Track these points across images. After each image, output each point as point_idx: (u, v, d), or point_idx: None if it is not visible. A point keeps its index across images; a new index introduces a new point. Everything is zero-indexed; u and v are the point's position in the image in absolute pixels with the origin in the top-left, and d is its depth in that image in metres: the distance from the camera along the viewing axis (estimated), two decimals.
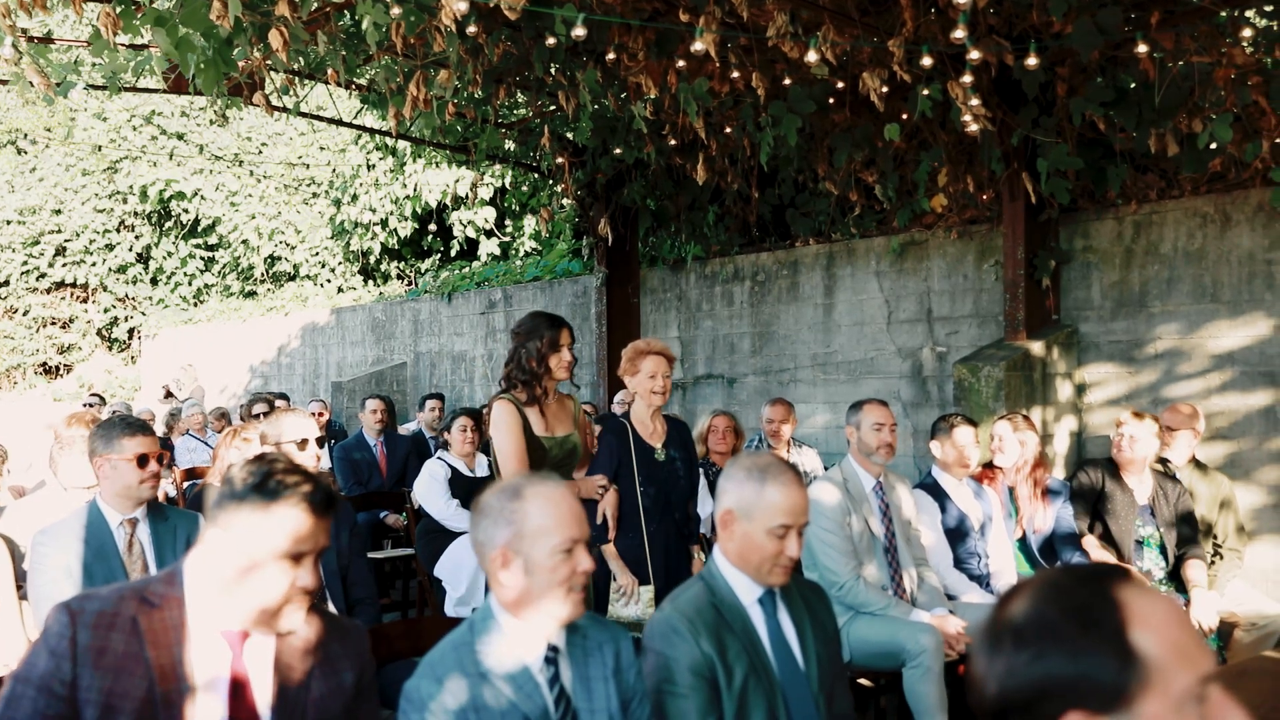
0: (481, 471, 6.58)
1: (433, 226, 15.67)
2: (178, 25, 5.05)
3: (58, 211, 20.85)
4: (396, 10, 5.06)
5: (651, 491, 4.51)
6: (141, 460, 3.58)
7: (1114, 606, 1.23)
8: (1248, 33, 5.61)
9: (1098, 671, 1.20)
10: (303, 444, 4.18)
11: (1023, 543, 5.41)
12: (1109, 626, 1.22)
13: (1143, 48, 5.32)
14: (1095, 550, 5.36)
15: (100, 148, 19.72)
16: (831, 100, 6.78)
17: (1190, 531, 5.42)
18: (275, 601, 2.13)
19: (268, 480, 2.12)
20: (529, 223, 14.50)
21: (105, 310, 21.53)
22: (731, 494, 2.68)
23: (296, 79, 7.48)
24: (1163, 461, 5.89)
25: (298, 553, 2.13)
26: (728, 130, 7.39)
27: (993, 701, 1.25)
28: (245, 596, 2.13)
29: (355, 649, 2.37)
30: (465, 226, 14.99)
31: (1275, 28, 5.56)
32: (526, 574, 2.26)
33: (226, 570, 2.13)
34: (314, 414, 9.84)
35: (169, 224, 20.51)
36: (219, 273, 20.60)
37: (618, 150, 8.48)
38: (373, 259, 17.02)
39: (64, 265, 21.07)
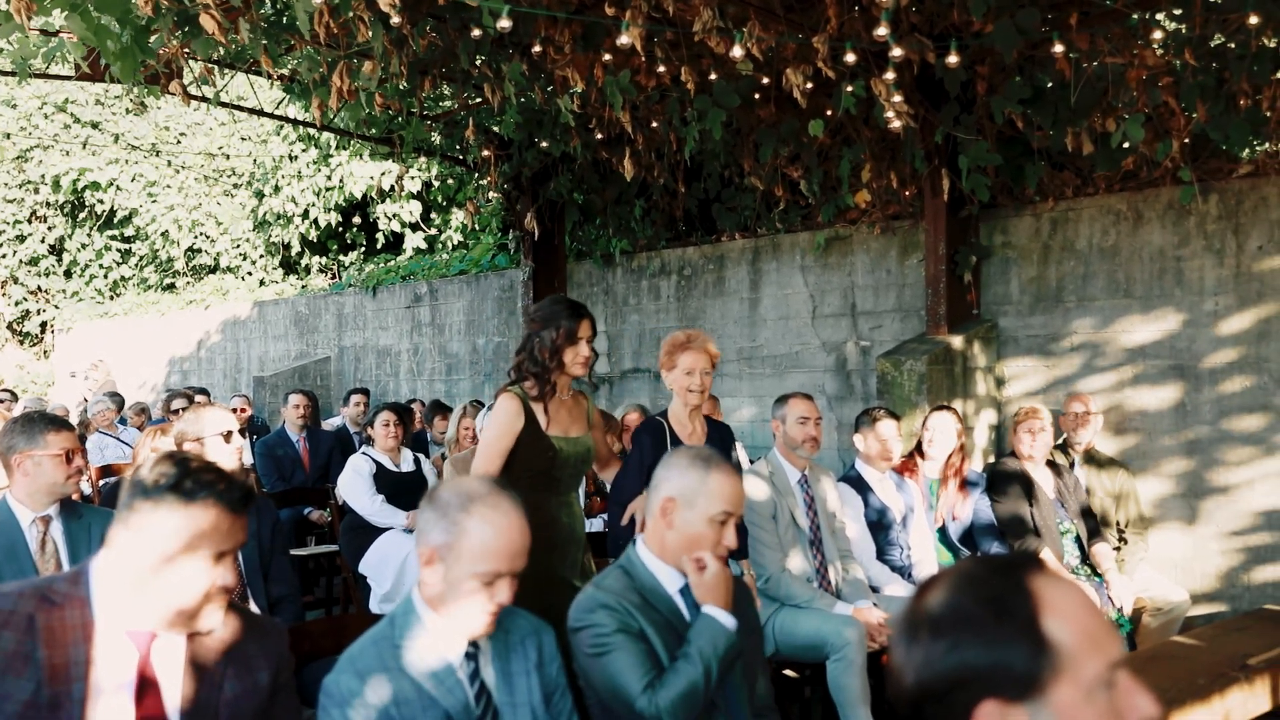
0: (407, 467, 6.51)
1: (356, 220, 15.47)
2: (90, 10, 4.91)
3: None
4: None
5: None
6: (68, 456, 3.50)
7: (1027, 595, 1.26)
8: (1158, 35, 5.76)
9: (1012, 660, 1.22)
10: (227, 436, 4.12)
11: (943, 533, 5.51)
12: (1022, 615, 1.24)
13: (1059, 48, 5.44)
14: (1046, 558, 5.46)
15: (9, 136, 19.13)
16: (757, 95, 6.83)
17: (1093, 522, 5.66)
18: (193, 602, 2.09)
19: (184, 480, 2.07)
20: (456, 216, 14.37)
21: (16, 303, 20.90)
22: (673, 482, 2.63)
23: (216, 68, 7.32)
24: (1063, 451, 6.08)
25: (216, 552, 2.08)
26: (654, 124, 7.40)
27: (911, 692, 1.27)
28: (161, 597, 2.08)
29: (272, 648, 2.32)
30: (391, 220, 14.82)
31: (1184, 31, 5.71)
32: (445, 581, 2.25)
33: (140, 570, 2.07)
34: (236, 409, 9.67)
35: (83, 215, 19.96)
36: (136, 265, 20.11)
37: (544, 143, 8.45)
38: (294, 252, 16.74)
39: None
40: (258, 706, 2.24)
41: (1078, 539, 5.60)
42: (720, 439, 4.34)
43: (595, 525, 6.01)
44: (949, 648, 1.24)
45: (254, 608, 4.03)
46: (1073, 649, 1.24)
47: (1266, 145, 6.07)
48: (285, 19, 6.11)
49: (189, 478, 2.07)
